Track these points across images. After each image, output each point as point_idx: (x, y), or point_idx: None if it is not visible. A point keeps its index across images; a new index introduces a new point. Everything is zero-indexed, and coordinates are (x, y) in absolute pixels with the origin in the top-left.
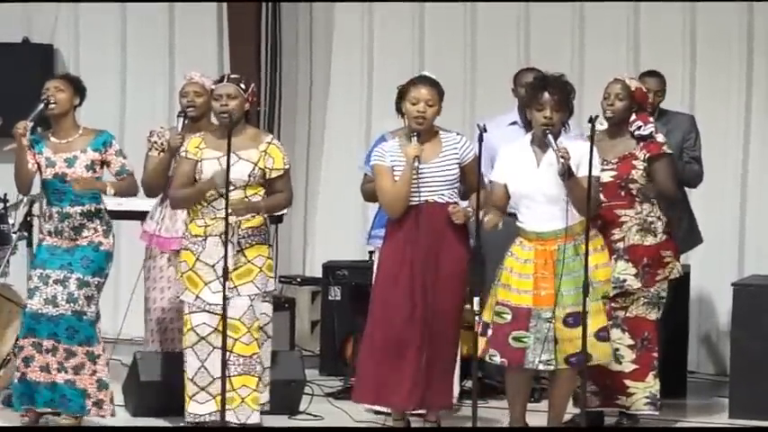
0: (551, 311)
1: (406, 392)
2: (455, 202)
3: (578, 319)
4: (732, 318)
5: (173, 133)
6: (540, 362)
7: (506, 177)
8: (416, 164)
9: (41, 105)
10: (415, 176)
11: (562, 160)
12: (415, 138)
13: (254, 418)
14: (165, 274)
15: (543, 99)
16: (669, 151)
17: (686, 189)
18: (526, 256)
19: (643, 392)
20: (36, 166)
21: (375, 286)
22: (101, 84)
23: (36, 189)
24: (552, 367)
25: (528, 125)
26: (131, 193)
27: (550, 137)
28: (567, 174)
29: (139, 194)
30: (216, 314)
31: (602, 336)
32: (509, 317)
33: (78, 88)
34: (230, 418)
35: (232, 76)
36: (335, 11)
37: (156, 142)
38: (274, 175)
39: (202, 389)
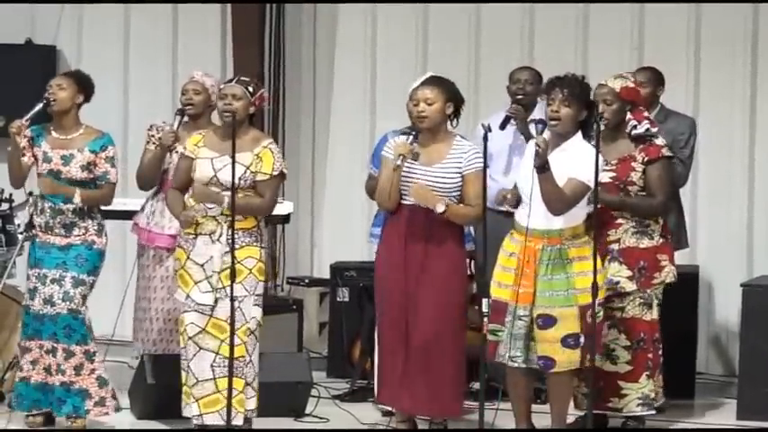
0: (526, 310)
1: (403, 396)
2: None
3: (548, 321)
4: (742, 318)
5: (168, 130)
6: (509, 357)
7: (518, 173)
8: (398, 162)
9: (40, 105)
10: (405, 175)
11: (537, 148)
12: (411, 137)
13: (238, 420)
14: (158, 274)
15: (553, 94)
16: (668, 154)
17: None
18: (512, 250)
19: (636, 393)
20: (33, 159)
21: (375, 287)
22: (103, 85)
23: (36, 189)
24: (516, 364)
25: (518, 122)
26: (102, 202)
27: (538, 126)
28: (540, 167)
29: (132, 194)
30: (204, 314)
31: (569, 342)
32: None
33: (83, 86)
34: (216, 420)
35: (242, 78)
36: (339, 12)
37: (153, 136)
38: (259, 178)
39: (188, 390)
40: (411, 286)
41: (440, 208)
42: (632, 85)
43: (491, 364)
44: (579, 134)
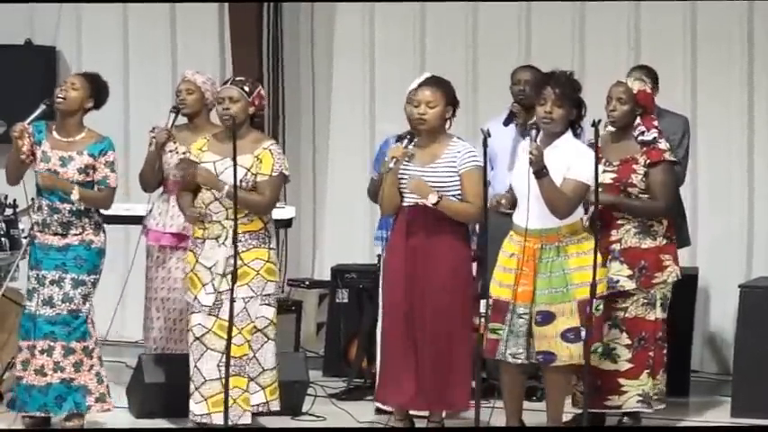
0: (525, 308)
1: (407, 393)
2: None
3: (547, 317)
4: (738, 319)
5: (161, 128)
6: (509, 354)
7: (513, 174)
8: (392, 165)
9: (43, 107)
10: (401, 176)
11: (530, 156)
12: (406, 140)
13: (246, 419)
14: (160, 275)
15: (545, 93)
16: (671, 159)
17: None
18: (512, 250)
19: (636, 390)
20: (32, 157)
21: (382, 289)
22: None
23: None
24: (520, 361)
25: (519, 122)
26: (100, 205)
27: (533, 132)
28: (537, 172)
29: (135, 198)
30: (210, 315)
31: (569, 337)
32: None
33: (97, 92)
34: (223, 420)
35: (237, 78)
36: (337, 11)
37: (154, 137)
38: (259, 179)
39: (196, 389)
40: (415, 286)
41: (432, 199)
42: (650, 90)
43: (491, 362)
44: (569, 132)
